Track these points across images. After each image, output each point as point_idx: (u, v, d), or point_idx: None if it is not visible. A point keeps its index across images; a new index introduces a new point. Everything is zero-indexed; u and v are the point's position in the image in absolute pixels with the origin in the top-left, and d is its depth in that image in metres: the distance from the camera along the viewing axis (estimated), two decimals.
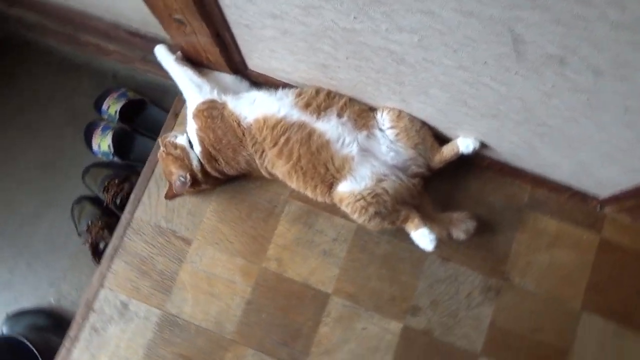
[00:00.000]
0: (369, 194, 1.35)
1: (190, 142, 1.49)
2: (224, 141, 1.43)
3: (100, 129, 1.99)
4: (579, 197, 1.50)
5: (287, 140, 1.38)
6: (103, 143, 1.97)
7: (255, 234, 1.55)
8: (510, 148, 1.36)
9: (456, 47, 0.99)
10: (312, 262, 1.52)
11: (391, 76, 1.23)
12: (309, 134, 1.38)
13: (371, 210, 1.35)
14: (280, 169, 1.43)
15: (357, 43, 1.13)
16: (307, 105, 1.41)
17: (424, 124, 1.42)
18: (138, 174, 1.96)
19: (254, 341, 1.49)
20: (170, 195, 1.54)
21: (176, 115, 1.66)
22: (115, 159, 1.98)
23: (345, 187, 1.38)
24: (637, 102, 0.92)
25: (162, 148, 1.51)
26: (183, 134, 1.52)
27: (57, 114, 2.10)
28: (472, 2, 0.83)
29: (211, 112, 1.44)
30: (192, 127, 1.48)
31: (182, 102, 1.65)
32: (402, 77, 1.21)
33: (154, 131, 1.99)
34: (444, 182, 1.53)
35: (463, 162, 1.46)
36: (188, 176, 1.46)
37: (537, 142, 1.26)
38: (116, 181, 1.91)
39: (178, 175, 1.47)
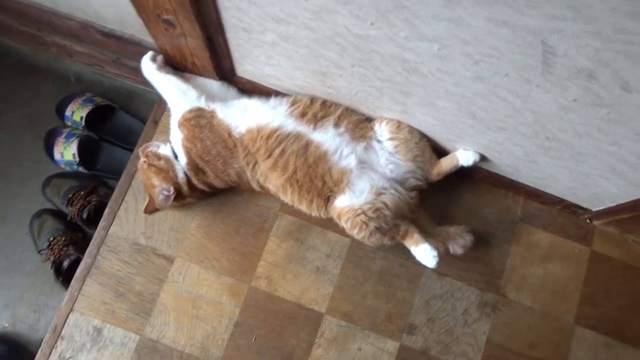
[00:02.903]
0: (369, 208, 1.29)
1: (174, 153, 1.39)
2: (213, 152, 1.34)
3: (63, 136, 1.84)
4: (571, 210, 1.51)
5: (283, 151, 1.31)
6: (67, 152, 1.82)
7: (244, 250, 1.46)
8: (510, 161, 1.35)
9: (478, 57, 0.95)
10: (304, 279, 1.45)
11: (398, 86, 1.18)
12: (306, 145, 1.31)
13: (372, 225, 1.29)
14: (274, 182, 1.35)
15: (367, 51, 1.08)
16: (302, 115, 1.34)
17: (423, 135, 1.38)
18: (106, 185, 1.85)
19: None
20: (151, 210, 1.42)
21: (156, 123, 1.54)
22: (81, 169, 1.84)
23: (343, 202, 1.32)
24: None
25: (143, 159, 1.40)
26: (166, 144, 1.41)
27: (13, 119, 1.93)
28: (508, 10, 0.80)
29: (199, 121, 1.35)
30: (177, 136, 1.37)
31: (163, 109, 1.54)
32: (410, 88, 1.17)
33: (123, 139, 1.88)
34: (438, 194, 1.49)
35: (457, 174, 1.44)
36: (172, 189, 1.35)
37: (540, 155, 1.25)
38: (82, 193, 1.78)
39: (161, 189, 1.35)
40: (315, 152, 1.31)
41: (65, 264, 1.74)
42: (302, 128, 1.32)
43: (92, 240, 1.45)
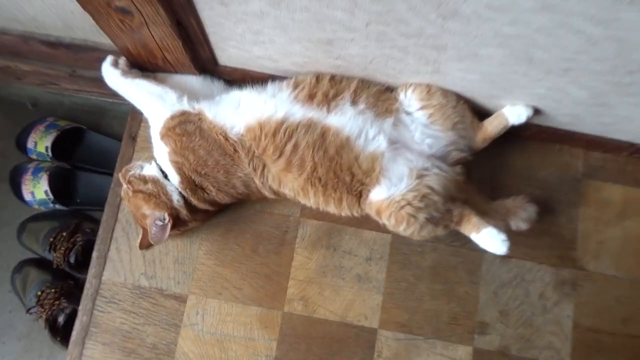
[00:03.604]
0: (414, 196, 1.05)
1: (162, 172, 1.13)
2: (210, 162, 1.09)
3: (30, 172, 1.61)
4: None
5: (295, 146, 1.06)
6: (37, 189, 1.58)
7: (268, 271, 1.23)
8: (570, 109, 1.11)
9: None
10: (346, 293, 1.22)
11: (428, 40, 0.93)
12: (322, 134, 1.07)
13: (421, 217, 1.05)
14: (290, 185, 1.10)
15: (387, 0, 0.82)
16: (310, 98, 1.09)
17: (459, 97, 1.14)
18: (91, 219, 1.62)
19: None
20: (147, 245, 1.17)
21: (133, 138, 1.28)
22: (57, 206, 1.62)
23: (380, 194, 1.08)
24: None
25: (125, 185, 1.14)
26: (150, 162, 1.15)
27: None
28: None
29: (185, 128, 1.09)
30: (162, 151, 1.12)
31: (139, 120, 1.29)
32: (445, 39, 0.91)
33: (100, 163, 1.68)
34: (483, 164, 1.26)
35: (500, 136, 1.19)
36: (167, 217, 1.10)
37: (613, 96, 1.01)
38: (64, 234, 1.56)
39: (154, 219, 1.10)
40: (335, 141, 1.06)
41: (61, 319, 1.53)
42: (314, 113, 1.07)
43: (84, 292, 1.20)
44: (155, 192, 1.11)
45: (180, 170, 1.11)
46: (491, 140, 1.18)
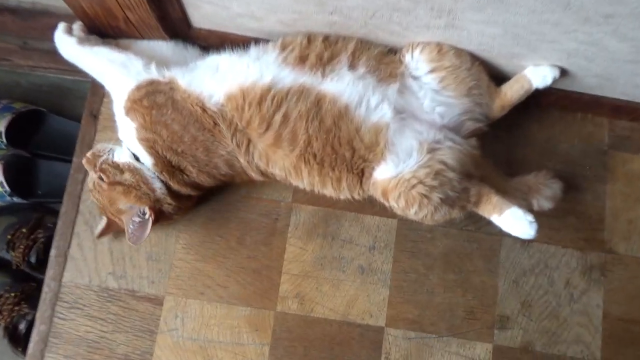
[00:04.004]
0: (426, 173, 0.90)
1: (134, 155, 0.96)
2: (186, 139, 0.94)
3: None
4: None
5: (285, 117, 0.91)
6: None
7: (257, 266, 1.08)
8: (603, 68, 0.97)
9: None
10: (348, 287, 1.07)
11: None
12: (317, 102, 0.92)
13: (435, 197, 0.90)
14: (281, 164, 0.95)
15: None
16: (302, 60, 0.94)
17: (474, 58, 0.99)
18: (54, 213, 1.45)
19: None
20: (107, 234, 1.01)
21: (94, 116, 1.10)
22: (15, 199, 1.43)
23: (386, 172, 0.93)
24: None
25: (94, 174, 0.96)
26: (121, 145, 0.98)
27: None
28: None
29: (154, 99, 0.93)
30: (128, 129, 0.96)
31: (101, 96, 1.12)
32: None
33: (62, 150, 1.51)
34: (498, 136, 1.11)
35: (516, 105, 1.05)
36: (148, 211, 0.95)
37: None
38: (24, 231, 1.41)
39: (132, 214, 0.95)
40: (332, 110, 0.91)
41: (22, 327, 1.37)
42: (306, 78, 0.93)
43: (42, 297, 1.04)
44: (134, 183, 0.95)
45: (152, 149, 0.94)
46: (510, 107, 1.03)
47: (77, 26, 1.02)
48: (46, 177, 1.49)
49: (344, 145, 0.92)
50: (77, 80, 1.43)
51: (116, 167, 0.97)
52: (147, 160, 0.95)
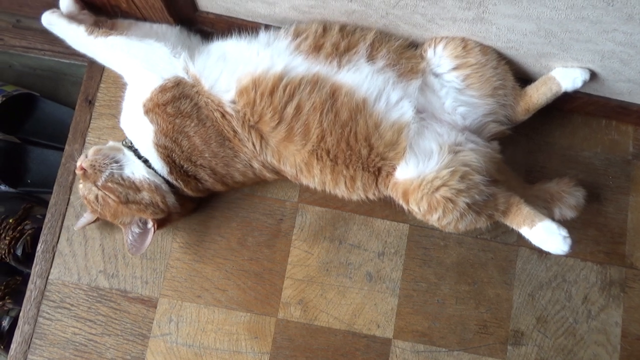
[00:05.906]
0: (451, 176, 0.84)
1: (139, 156, 0.90)
2: (206, 154, 0.89)
3: None
4: None
5: (298, 109, 0.85)
6: None
7: (259, 269, 1.03)
8: (637, 72, 0.90)
9: None
10: (354, 295, 1.01)
11: None
12: (332, 94, 0.86)
13: (461, 202, 0.84)
14: (292, 160, 0.89)
15: None
16: (316, 49, 0.88)
17: (501, 56, 0.93)
18: (44, 203, 1.39)
19: None
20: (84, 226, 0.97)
21: (90, 102, 1.03)
22: (3, 187, 1.40)
23: (407, 172, 0.87)
24: None
25: (99, 192, 0.88)
26: (119, 142, 0.92)
27: None
28: None
29: (179, 107, 0.87)
30: (143, 129, 0.89)
31: (97, 80, 1.05)
32: None
33: (55, 137, 1.46)
34: (517, 141, 1.06)
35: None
36: (152, 223, 0.91)
37: None
38: (11, 221, 1.35)
39: (133, 223, 0.90)
40: (348, 103, 0.85)
41: (5, 323, 1.32)
42: (321, 68, 0.86)
43: (27, 295, 0.98)
44: (153, 202, 0.88)
45: (168, 158, 0.88)
46: (535, 110, 0.98)
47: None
48: (37, 165, 1.44)
49: (360, 142, 0.86)
50: (73, 63, 1.36)
51: (131, 186, 0.88)
52: (159, 166, 0.89)
